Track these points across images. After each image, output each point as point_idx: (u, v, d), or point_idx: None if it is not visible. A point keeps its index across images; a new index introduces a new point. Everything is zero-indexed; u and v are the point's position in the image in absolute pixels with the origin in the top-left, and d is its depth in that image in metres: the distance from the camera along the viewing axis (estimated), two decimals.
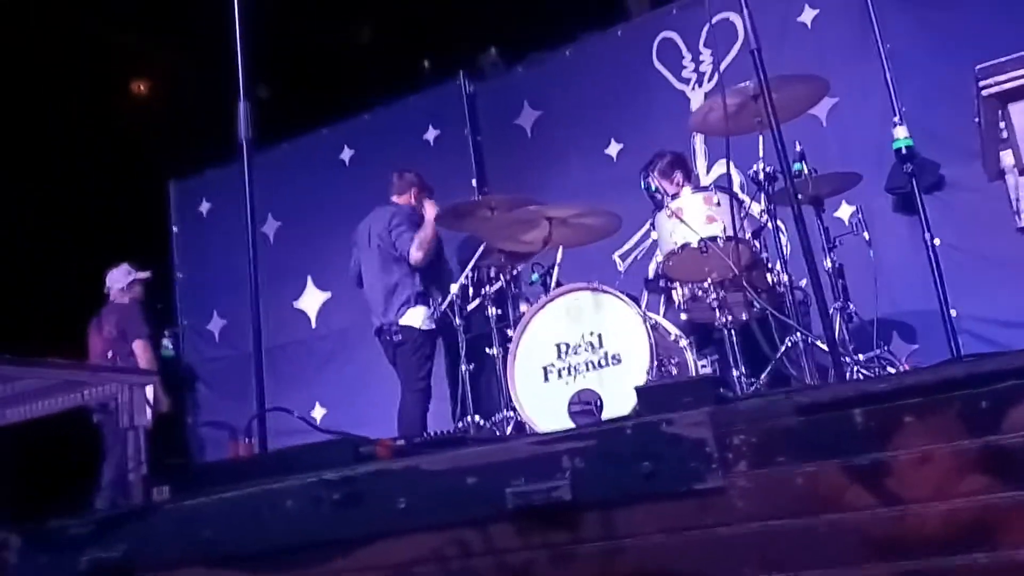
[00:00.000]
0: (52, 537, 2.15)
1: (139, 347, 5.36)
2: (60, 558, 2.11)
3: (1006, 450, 1.36)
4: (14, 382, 3.10)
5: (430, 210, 4.99)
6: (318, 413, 6.17)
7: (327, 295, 6.52)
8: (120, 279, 5.61)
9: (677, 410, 1.66)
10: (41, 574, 2.15)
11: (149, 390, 5.96)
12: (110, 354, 5.29)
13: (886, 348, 4.13)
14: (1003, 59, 2.04)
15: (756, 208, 4.16)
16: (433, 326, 4.94)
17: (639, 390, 1.80)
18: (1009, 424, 1.36)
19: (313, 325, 6.55)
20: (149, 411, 5.73)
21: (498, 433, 4.14)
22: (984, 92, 2.06)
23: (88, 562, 2.07)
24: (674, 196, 4.14)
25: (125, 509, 2.10)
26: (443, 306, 4.63)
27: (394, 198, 5.26)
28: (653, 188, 4.52)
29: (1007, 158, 2.31)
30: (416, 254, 4.94)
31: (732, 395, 1.84)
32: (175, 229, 7.20)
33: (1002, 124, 2.11)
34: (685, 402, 1.68)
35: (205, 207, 7.10)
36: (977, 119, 2.37)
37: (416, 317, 4.95)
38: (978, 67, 2.07)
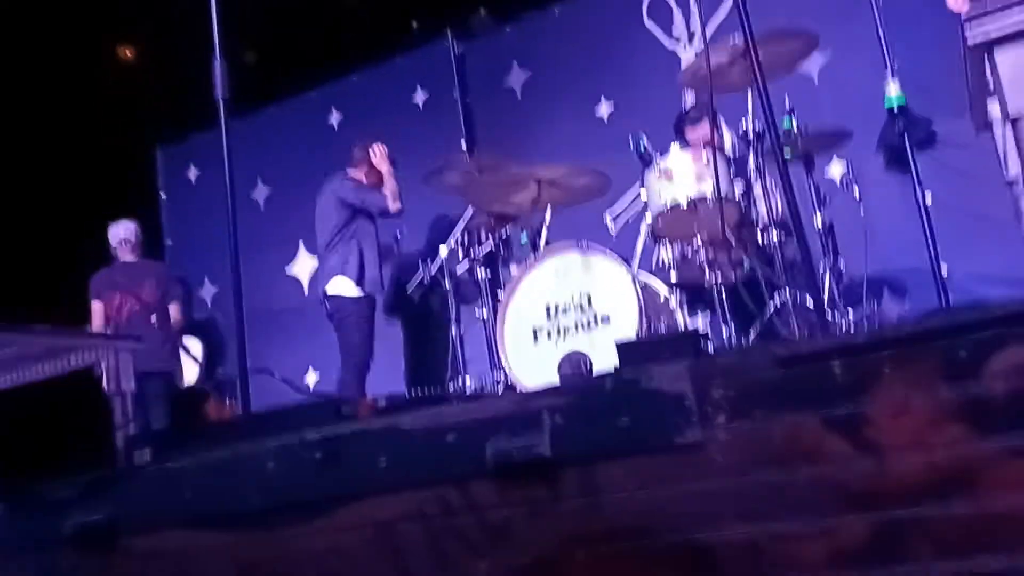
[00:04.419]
0: (35, 502, 2.15)
1: (177, 308, 5.38)
2: (44, 523, 2.11)
3: (985, 399, 1.35)
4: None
5: (382, 162, 5.02)
6: (311, 378, 6.17)
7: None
8: (133, 234, 5.48)
9: (656, 365, 1.65)
10: (26, 539, 2.15)
11: (197, 348, 5.97)
12: (154, 318, 5.21)
13: (877, 306, 4.11)
14: (988, 4, 1.99)
15: (747, 163, 4.12)
16: (362, 294, 4.93)
17: (619, 345, 1.79)
18: (988, 373, 1.35)
19: (306, 291, 6.53)
20: (197, 367, 5.73)
21: (483, 391, 4.14)
22: (970, 39, 2.02)
23: (72, 526, 2.07)
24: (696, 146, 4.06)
25: (107, 472, 2.10)
26: (433, 269, 4.61)
27: (350, 170, 5.22)
28: (650, 151, 4.42)
29: (994, 108, 2.27)
30: (395, 205, 5.00)
31: (711, 349, 1.82)
32: (163, 195, 7.14)
33: (988, 73, 2.08)
34: (664, 357, 1.67)
35: (193, 173, 7.04)
36: (964, 69, 2.33)
37: (342, 285, 4.95)
38: (965, 12, 2.02)
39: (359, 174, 5.18)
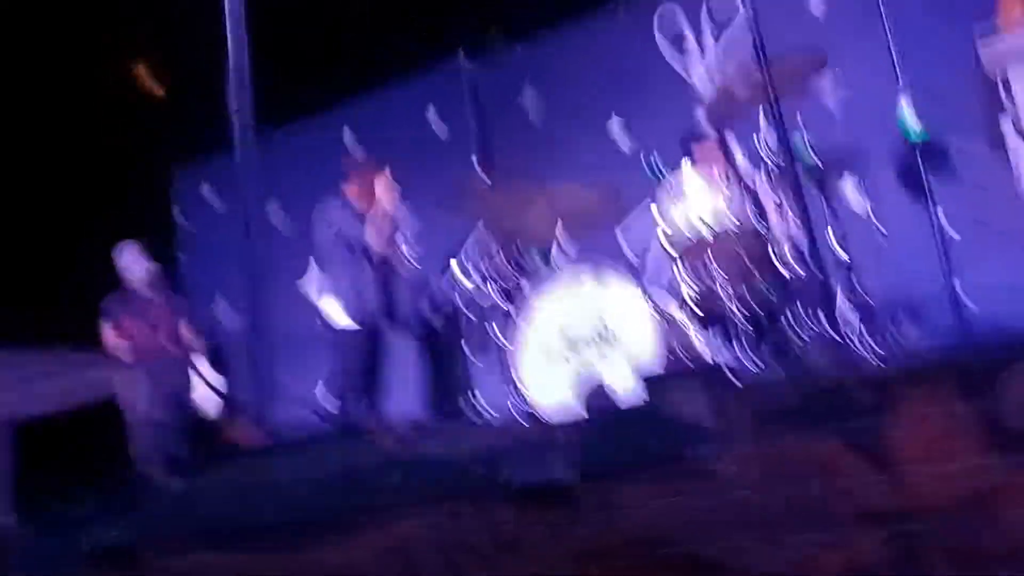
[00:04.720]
0: (56, 522, 2.17)
1: (192, 334, 5.44)
2: (64, 542, 2.13)
3: (1001, 419, 1.35)
4: (24, 372, 3.11)
5: (382, 193, 4.86)
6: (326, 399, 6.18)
7: None
8: (146, 271, 5.48)
9: (676, 390, 1.66)
10: (46, 558, 2.16)
11: (213, 372, 6.00)
12: (169, 344, 5.26)
13: (894, 326, 4.09)
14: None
15: (761, 186, 4.12)
16: (347, 321, 4.75)
17: (638, 372, 1.80)
18: (1005, 394, 1.35)
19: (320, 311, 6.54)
20: (213, 391, 5.76)
21: (500, 416, 4.13)
22: (983, 58, 2.02)
23: (92, 548, 2.08)
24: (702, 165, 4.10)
25: (127, 495, 2.12)
26: (446, 291, 4.61)
27: (345, 188, 5.12)
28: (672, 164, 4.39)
29: (1007, 126, 2.27)
30: (376, 241, 4.78)
31: (730, 374, 1.83)
32: (180, 217, 7.21)
33: (1001, 91, 2.08)
34: (684, 381, 1.68)
35: (209, 194, 7.10)
36: (977, 87, 2.33)
37: (330, 308, 4.90)
38: (978, 31, 2.03)
39: (353, 192, 5.03)
